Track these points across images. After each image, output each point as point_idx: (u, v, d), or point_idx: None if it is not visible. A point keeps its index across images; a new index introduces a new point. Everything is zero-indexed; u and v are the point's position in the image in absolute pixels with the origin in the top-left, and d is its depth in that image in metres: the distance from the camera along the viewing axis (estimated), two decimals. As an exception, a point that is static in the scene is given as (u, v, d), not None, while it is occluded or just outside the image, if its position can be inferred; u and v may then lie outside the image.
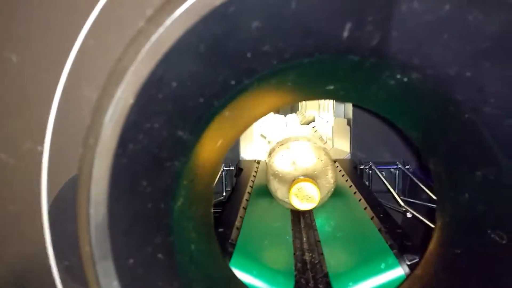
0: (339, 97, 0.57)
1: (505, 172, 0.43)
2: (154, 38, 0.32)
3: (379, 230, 0.83)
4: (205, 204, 0.58)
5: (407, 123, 0.56)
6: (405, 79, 0.44)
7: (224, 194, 1.45)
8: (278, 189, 1.10)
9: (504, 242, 0.45)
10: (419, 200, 1.24)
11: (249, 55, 0.39)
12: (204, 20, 0.32)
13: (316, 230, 0.97)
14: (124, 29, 0.32)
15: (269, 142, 2.60)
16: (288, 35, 0.39)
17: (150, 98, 0.34)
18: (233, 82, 0.42)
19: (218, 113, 0.47)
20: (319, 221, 1.01)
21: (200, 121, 0.43)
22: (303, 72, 0.48)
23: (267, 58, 0.41)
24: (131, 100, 0.33)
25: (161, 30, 0.32)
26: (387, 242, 0.78)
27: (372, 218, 0.90)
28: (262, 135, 2.68)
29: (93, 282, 0.35)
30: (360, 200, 1.03)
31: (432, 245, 0.59)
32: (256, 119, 0.58)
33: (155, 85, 0.34)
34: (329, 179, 1.06)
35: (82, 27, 0.32)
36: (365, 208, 0.97)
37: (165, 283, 0.42)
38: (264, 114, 0.59)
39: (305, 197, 0.97)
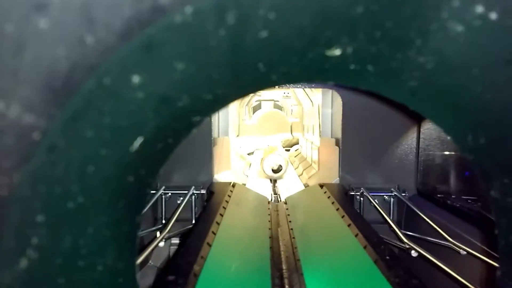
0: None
1: None
2: None
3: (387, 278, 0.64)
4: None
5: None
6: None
7: (193, 222, 1.23)
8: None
9: None
10: (418, 233, 1.06)
11: None
12: None
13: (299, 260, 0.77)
14: None
15: (249, 164, 2.41)
16: None
17: None
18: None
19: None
20: (303, 254, 0.81)
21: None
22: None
23: None
24: None
25: None
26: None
27: (375, 262, 0.70)
28: (241, 156, 2.49)
29: None
30: (354, 232, 0.84)
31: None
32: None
33: None
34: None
35: None
36: (365, 245, 0.78)
37: None
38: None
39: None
